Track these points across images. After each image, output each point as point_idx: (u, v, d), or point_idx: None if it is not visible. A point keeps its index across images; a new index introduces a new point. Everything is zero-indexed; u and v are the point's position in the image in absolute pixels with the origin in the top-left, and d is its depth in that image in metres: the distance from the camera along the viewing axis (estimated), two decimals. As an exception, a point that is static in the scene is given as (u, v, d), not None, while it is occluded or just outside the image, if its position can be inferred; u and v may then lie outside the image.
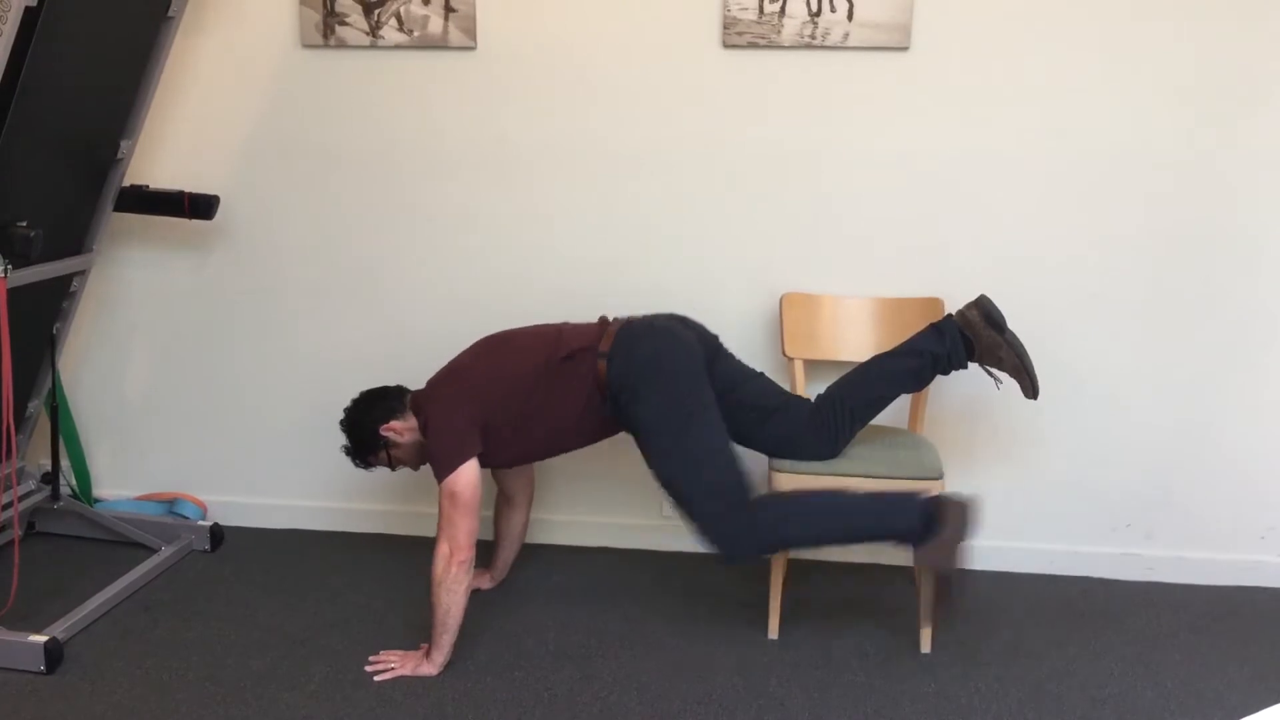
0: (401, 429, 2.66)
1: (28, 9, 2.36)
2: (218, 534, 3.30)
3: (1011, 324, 3.03)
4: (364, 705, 2.46)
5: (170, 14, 2.88)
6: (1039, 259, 3.01)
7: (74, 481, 3.43)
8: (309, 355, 3.34)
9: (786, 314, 3.02)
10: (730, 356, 2.73)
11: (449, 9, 3.04)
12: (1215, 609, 2.97)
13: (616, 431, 2.65)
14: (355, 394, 3.28)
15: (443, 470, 2.50)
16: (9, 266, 2.60)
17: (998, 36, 2.90)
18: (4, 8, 2.30)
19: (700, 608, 2.93)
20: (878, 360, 2.71)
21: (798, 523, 2.50)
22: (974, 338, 2.60)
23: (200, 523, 3.30)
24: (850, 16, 2.90)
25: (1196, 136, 2.90)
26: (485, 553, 3.05)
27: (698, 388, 2.53)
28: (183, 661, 2.64)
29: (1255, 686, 2.59)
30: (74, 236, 3.01)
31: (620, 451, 3.20)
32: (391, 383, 3.16)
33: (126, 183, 3.10)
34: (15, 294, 2.71)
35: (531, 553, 3.21)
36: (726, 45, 2.98)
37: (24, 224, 2.59)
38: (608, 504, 3.28)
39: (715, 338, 2.73)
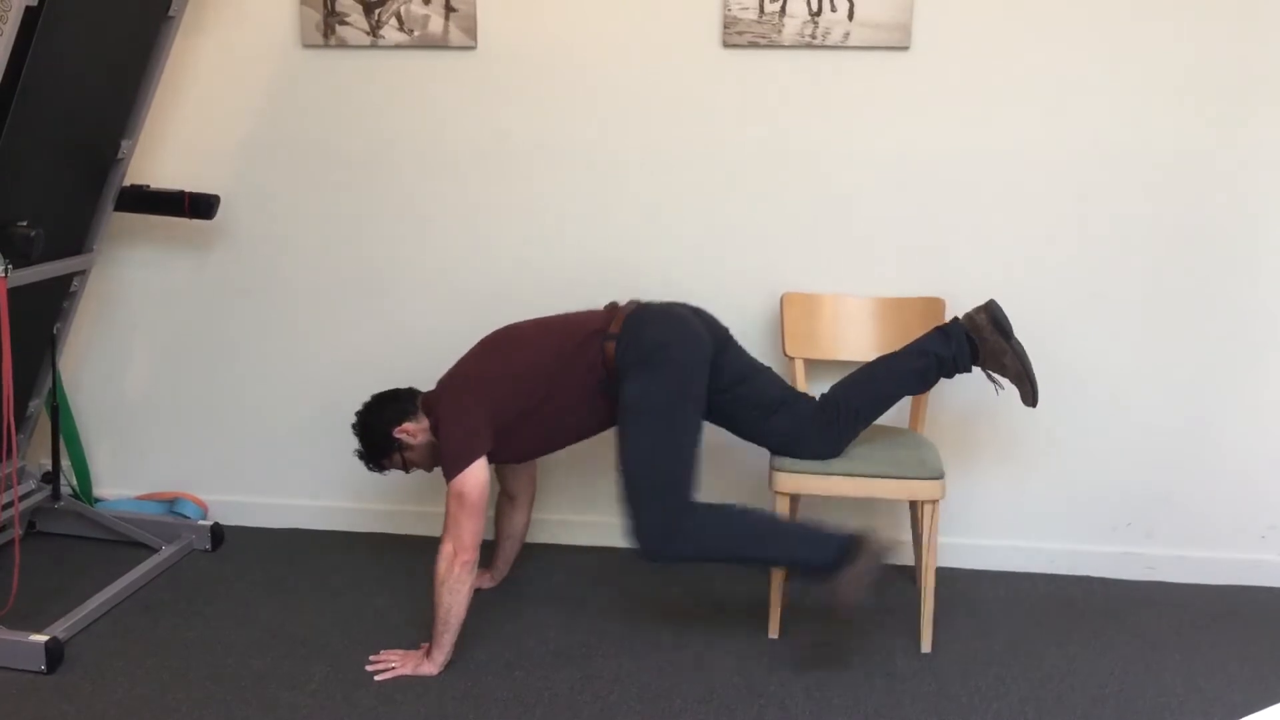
0: (414, 430, 2.66)
1: (28, 9, 2.36)
2: (218, 533, 3.30)
3: (1012, 321, 3.02)
4: (364, 705, 2.46)
5: (171, 13, 2.88)
6: (1039, 258, 3.01)
7: (74, 481, 3.43)
8: (310, 354, 3.34)
9: (787, 313, 3.02)
10: (739, 350, 2.72)
11: (449, 9, 3.04)
12: (1216, 608, 2.97)
13: None
14: (356, 393, 3.30)
15: (451, 470, 2.50)
16: (9, 266, 2.60)
17: (998, 36, 2.90)
18: (4, 7, 2.30)
19: (701, 607, 2.93)
20: (883, 361, 2.71)
21: (720, 538, 2.50)
22: (979, 341, 2.60)
23: (201, 522, 3.30)
24: (851, 16, 2.90)
25: (1197, 136, 2.90)
26: (486, 552, 3.04)
27: (691, 382, 2.53)
28: (183, 661, 2.64)
29: (1256, 685, 2.59)
30: (74, 236, 3.01)
31: (621, 451, 3.19)
32: (391, 381, 3.17)
33: (127, 182, 3.10)
34: (16, 294, 2.71)
35: (532, 552, 3.21)
36: (727, 45, 2.97)
37: (24, 224, 2.59)
38: (608, 504, 3.28)
39: (725, 330, 2.72)
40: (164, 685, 2.53)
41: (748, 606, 2.90)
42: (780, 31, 2.94)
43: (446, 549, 2.51)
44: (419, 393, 2.73)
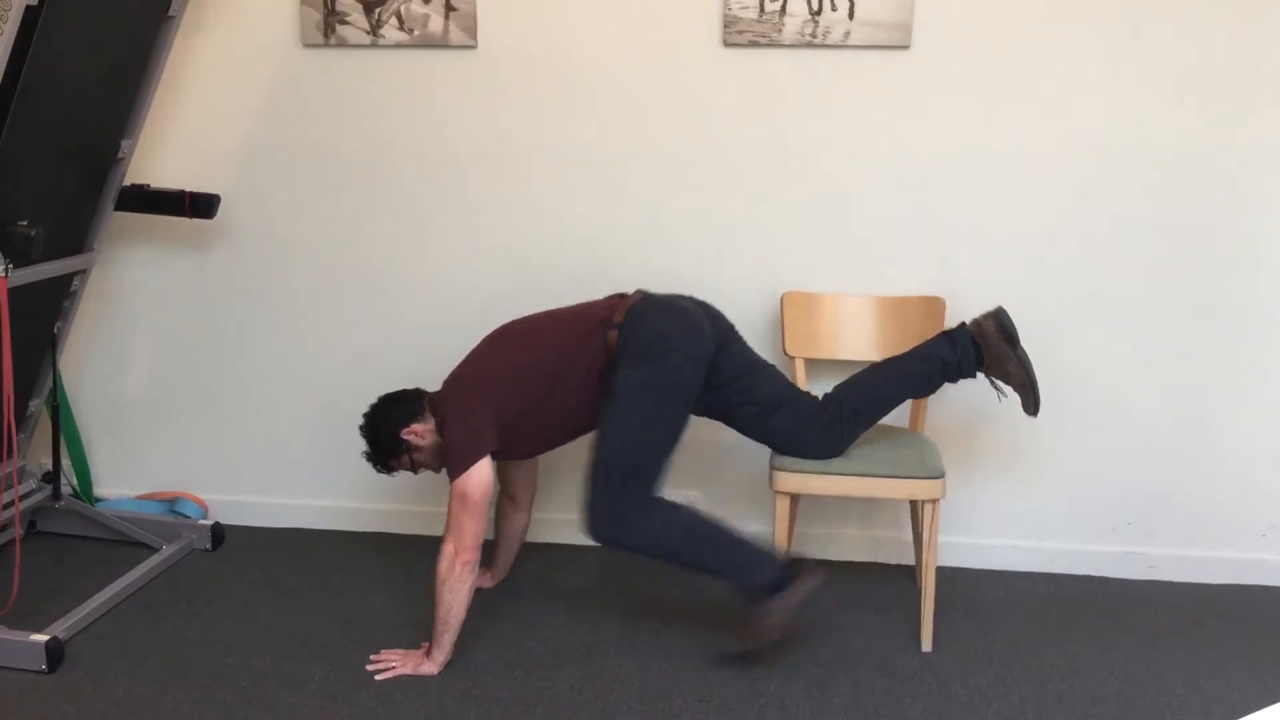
0: (422, 431, 2.65)
1: (28, 8, 2.36)
2: (219, 533, 3.30)
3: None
4: (365, 704, 2.46)
5: (171, 13, 2.88)
6: (1039, 258, 3.01)
7: (75, 480, 3.43)
8: (311, 354, 3.34)
9: (787, 313, 3.02)
10: (742, 346, 2.71)
11: (449, 8, 3.04)
12: (1216, 607, 2.97)
13: None
14: (356, 393, 3.31)
15: (455, 469, 2.50)
16: (10, 266, 2.60)
17: (999, 35, 2.90)
18: (4, 7, 2.30)
19: (701, 607, 2.93)
20: (887, 363, 2.71)
21: (670, 537, 2.52)
22: (985, 348, 2.59)
23: (201, 522, 3.30)
24: (851, 15, 2.90)
25: (1197, 136, 2.90)
26: (486, 552, 3.04)
27: (686, 378, 2.53)
28: (184, 661, 2.64)
29: (1256, 684, 2.59)
30: (75, 236, 3.01)
31: (621, 450, 3.19)
32: (391, 381, 3.18)
33: (127, 182, 3.10)
34: (16, 293, 2.71)
35: (533, 552, 3.21)
36: (727, 44, 2.97)
37: (25, 223, 2.59)
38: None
39: (729, 326, 2.71)
40: (164, 685, 2.54)
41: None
42: (780, 31, 2.94)
43: (448, 549, 2.51)
44: (426, 393, 2.73)
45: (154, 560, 3.10)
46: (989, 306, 3.03)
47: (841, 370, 3.06)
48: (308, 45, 3.13)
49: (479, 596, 2.93)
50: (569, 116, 3.08)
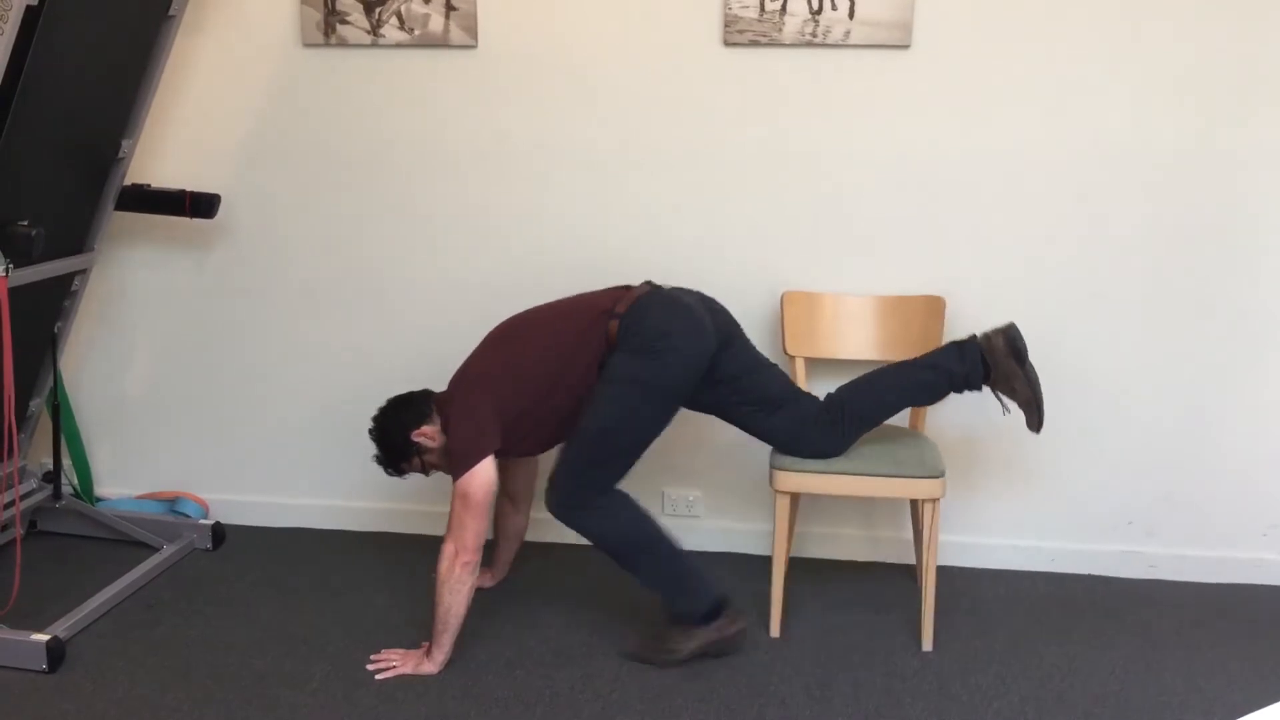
0: (432, 433, 2.64)
1: (28, 8, 2.36)
2: (219, 533, 3.30)
3: (1012, 320, 3.03)
4: (365, 704, 2.46)
5: (171, 13, 2.88)
6: (1040, 257, 3.01)
7: (75, 480, 3.43)
8: (311, 354, 3.34)
9: (787, 312, 3.02)
10: (745, 344, 2.70)
11: (450, 7, 3.04)
12: (1217, 606, 2.97)
13: None
14: (356, 392, 3.31)
15: (459, 469, 2.50)
16: (10, 265, 2.60)
17: (999, 35, 2.90)
18: (4, 7, 2.30)
19: (701, 606, 2.93)
20: (894, 369, 2.70)
21: (622, 534, 2.57)
22: (993, 364, 2.59)
23: (202, 521, 3.30)
24: (851, 14, 2.90)
25: (1197, 136, 2.90)
26: (486, 551, 3.04)
27: (680, 377, 2.53)
28: (184, 660, 2.64)
29: (1257, 684, 2.59)
30: (75, 235, 3.01)
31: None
32: (391, 380, 3.18)
33: (128, 182, 3.10)
34: (17, 293, 2.71)
35: (533, 551, 3.21)
36: (727, 43, 2.97)
37: (25, 223, 2.59)
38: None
39: (733, 324, 2.70)
40: (165, 684, 2.54)
41: (749, 605, 2.89)
42: (781, 30, 2.94)
43: (448, 549, 2.51)
44: (433, 394, 2.72)
45: (154, 560, 3.11)
46: (992, 307, 3.03)
47: (841, 369, 3.06)
48: (308, 45, 3.13)
49: (479, 596, 2.93)
50: (569, 116, 3.08)
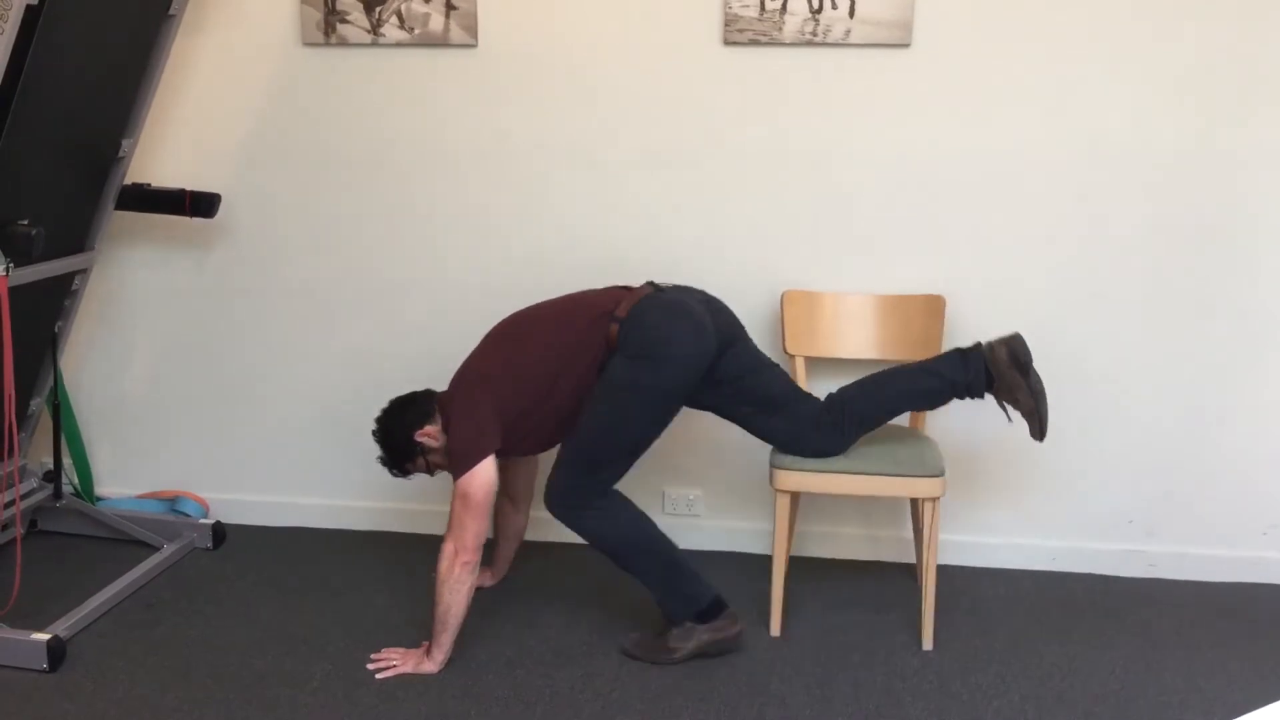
0: (435, 433, 2.64)
1: (29, 8, 2.36)
2: (220, 532, 3.30)
3: (1012, 320, 3.03)
4: (366, 703, 2.46)
5: (171, 12, 2.88)
6: (1040, 257, 3.01)
7: (76, 479, 3.43)
8: (310, 353, 3.34)
9: (787, 311, 3.02)
10: (747, 345, 2.69)
11: (450, 6, 3.04)
12: (1217, 605, 2.97)
13: None
14: (356, 392, 3.31)
15: (459, 468, 2.50)
16: (11, 265, 2.60)
17: (999, 34, 2.90)
18: (4, 6, 2.29)
19: (702, 605, 2.93)
20: (897, 374, 2.69)
21: (618, 535, 2.59)
22: (996, 375, 2.59)
23: (202, 521, 3.30)
24: (852, 13, 2.90)
25: (1197, 136, 2.90)
26: (486, 550, 3.04)
27: (678, 384, 2.52)
28: (185, 659, 2.64)
29: (1257, 683, 2.59)
30: (75, 235, 3.01)
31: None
32: (391, 380, 3.18)
33: (128, 181, 3.10)
34: (17, 292, 2.71)
35: (533, 550, 3.21)
36: (727, 42, 2.97)
37: (25, 222, 2.59)
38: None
39: (735, 324, 2.68)
40: (165, 684, 2.54)
41: (749, 604, 2.90)
42: (781, 29, 2.94)
43: (448, 548, 2.51)
44: (436, 394, 2.71)
45: (155, 559, 3.11)
46: (992, 307, 3.04)
47: (841, 368, 3.06)
48: (308, 44, 3.13)
49: (479, 595, 2.93)
50: (569, 115, 3.08)
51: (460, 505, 2.49)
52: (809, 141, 3.02)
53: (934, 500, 2.66)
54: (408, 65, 3.11)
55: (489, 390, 2.55)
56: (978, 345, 2.63)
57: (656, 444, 2.62)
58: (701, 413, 2.97)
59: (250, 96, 3.19)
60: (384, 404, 2.73)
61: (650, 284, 2.65)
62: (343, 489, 3.42)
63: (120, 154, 3.00)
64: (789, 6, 2.92)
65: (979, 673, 2.61)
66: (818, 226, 3.06)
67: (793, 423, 2.66)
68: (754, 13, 2.93)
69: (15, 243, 2.57)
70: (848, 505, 3.22)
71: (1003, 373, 2.58)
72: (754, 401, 2.66)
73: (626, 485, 2.61)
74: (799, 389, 2.73)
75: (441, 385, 2.74)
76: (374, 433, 2.71)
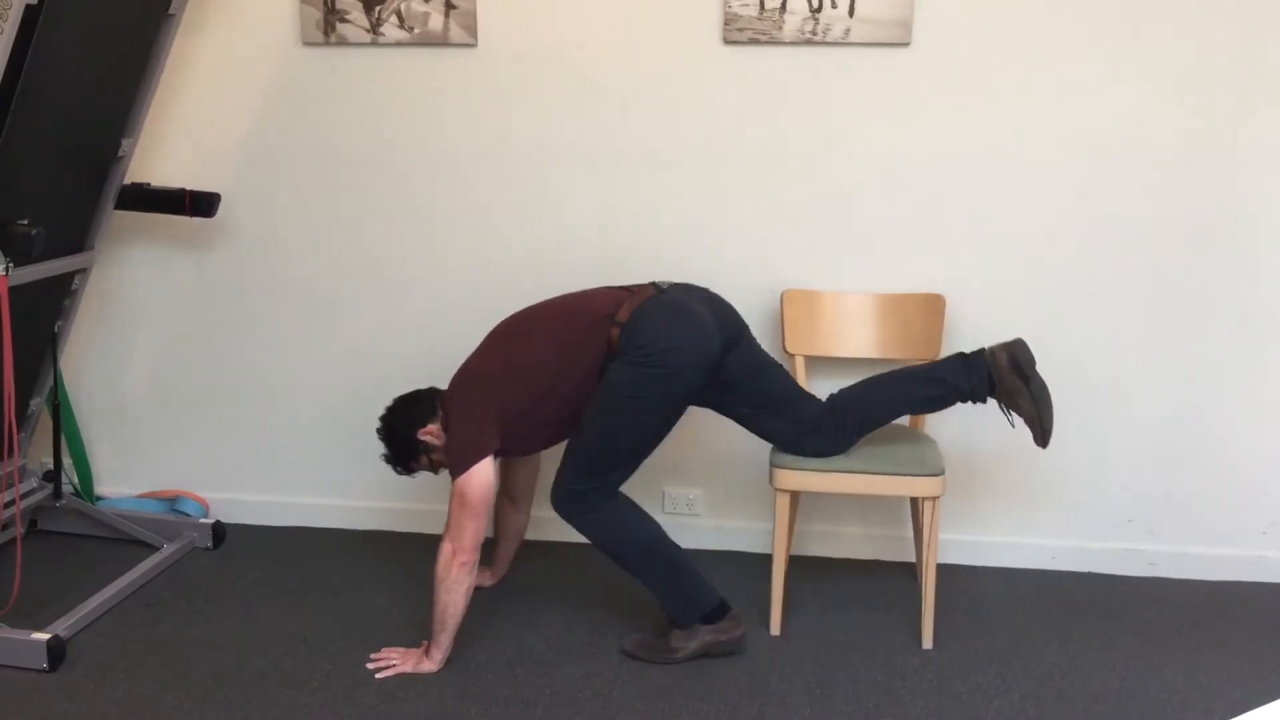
0: (438, 432, 2.64)
1: (28, 7, 2.35)
2: (220, 531, 3.30)
3: (1012, 320, 3.03)
4: (366, 703, 2.46)
5: (171, 11, 2.88)
6: (1040, 256, 3.01)
7: (76, 479, 3.43)
8: (310, 353, 3.34)
9: (787, 310, 3.02)
10: (751, 345, 2.68)
11: (449, 6, 3.04)
12: (1217, 604, 2.97)
13: None
14: (356, 392, 3.31)
15: (457, 469, 2.49)
16: (10, 264, 2.60)
17: (999, 33, 2.90)
18: (4, 6, 2.29)
19: (702, 604, 2.93)
20: (898, 379, 2.69)
21: (622, 537, 2.59)
22: (997, 379, 2.59)
23: (202, 520, 3.30)
24: (851, 12, 2.90)
25: (1197, 136, 2.90)
26: (486, 550, 3.04)
27: (675, 393, 2.51)
28: (185, 659, 2.64)
29: (1257, 682, 2.59)
30: (75, 235, 3.01)
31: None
32: (392, 380, 3.18)
33: (128, 181, 3.10)
34: (17, 292, 2.71)
35: (534, 550, 3.21)
36: (727, 41, 2.97)
37: (25, 222, 2.59)
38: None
39: (740, 325, 2.67)
40: (165, 684, 2.54)
41: (749, 604, 2.90)
42: (781, 28, 2.94)
43: (446, 548, 2.51)
44: (440, 392, 2.71)
45: (155, 559, 3.11)
46: (992, 306, 3.04)
47: (841, 367, 3.07)
48: (307, 44, 3.13)
49: (479, 594, 2.93)
50: (569, 115, 3.08)
51: (458, 505, 2.49)
52: (809, 140, 3.02)
53: (934, 499, 2.66)
54: (407, 65, 3.11)
55: (489, 390, 2.55)
56: (980, 351, 2.63)
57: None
58: (701, 413, 2.98)
59: (250, 96, 3.19)
60: (385, 403, 2.74)
61: (653, 284, 2.64)
62: (343, 489, 3.42)
63: (120, 153, 3.00)
64: (788, 5, 2.92)
65: (979, 672, 2.61)
66: (817, 225, 3.06)
67: (794, 424, 2.66)
68: (753, 12, 2.93)
69: (15, 242, 2.57)
70: (848, 504, 3.22)
71: (1004, 378, 2.58)
72: (756, 402, 2.66)
73: (627, 485, 2.61)
74: (801, 390, 2.73)
75: (441, 385, 2.74)
76: (378, 430, 2.71)
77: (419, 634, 2.74)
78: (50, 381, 3.18)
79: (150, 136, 3.22)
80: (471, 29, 3.05)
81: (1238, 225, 2.94)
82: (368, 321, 3.29)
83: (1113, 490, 3.13)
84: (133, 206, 3.11)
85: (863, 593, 3.02)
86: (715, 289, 3.07)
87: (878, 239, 3.05)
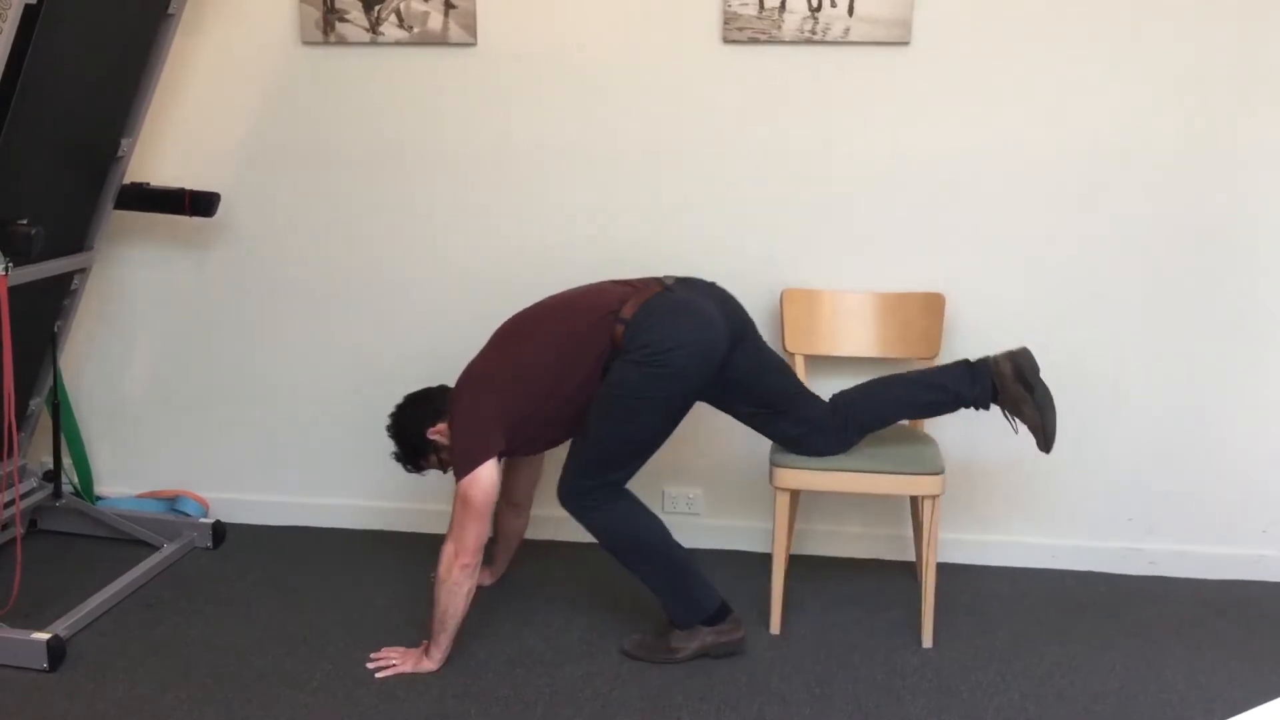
0: (446, 431, 2.62)
1: (27, 7, 2.35)
2: (220, 531, 3.30)
3: (1012, 319, 3.03)
4: (366, 702, 2.46)
5: (170, 11, 2.88)
6: (1040, 256, 3.01)
7: (76, 479, 3.43)
8: (309, 352, 3.34)
9: (787, 309, 3.02)
10: (756, 344, 2.66)
11: (449, 5, 3.03)
12: (1217, 603, 2.97)
13: None
14: (355, 391, 3.32)
15: (460, 471, 2.49)
16: (10, 264, 2.60)
17: (998, 32, 2.90)
18: (4, 6, 2.29)
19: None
20: (901, 383, 2.69)
21: (625, 533, 2.58)
22: (1000, 388, 2.59)
23: (202, 520, 3.30)
24: (851, 11, 2.90)
25: (1197, 136, 2.90)
26: (485, 549, 3.04)
27: (679, 393, 2.50)
28: (185, 659, 2.64)
29: (1257, 680, 2.60)
30: (75, 234, 3.01)
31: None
32: (392, 379, 3.18)
33: (127, 180, 3.10)
34: (16, 292, 2.71)
35: (534, 549, 3.21)
36: (727, 40, 2.97)
37: (25, 222, 2.58)
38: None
39: (746, 322, 2.66)
40: (165, 683, 2.54)
41: (749, 603, 2.90)
42: (780, 27, 2.94)
43: (448, 549, 2.50)
44: (450, 390, 2.68)
45: (155, 559, 3.11)
46: (992, 306, 3.04)
47: (841, 366, 3.07)
48: (307, 43, 3.12)
49: (479, 593, 2.92)
50: (569, 114, 3.08)
51: (461, 508, 2.49)
52: (808, 139, 3.01)
53: (934, 498, 2.66)
54: (407, 64, 3.10)
55: (492, 392, 2.54)
56: (985, 359, 2.63)
57: (656, 443, 2.62)
58: (701, 413, 2.97)
59: (249, 95, 3.19)
60: (385, 403, 2.74)
61: (658, 280, 2.62)
62: (343, 488, 3.42)
63: (119, 153, 2.99)
64: (788, 4, 2.91)
65: (979, 671, 2.62)
66: (817, 224, 3.06)
67: (797, 424, 2.66)
68: (753, 11, 2.93)
69: (15, 242, 2.57)
70: (848, 503, 3.22)
71: (1008, 387, 2.58)
72: (760, 401, 2.66)
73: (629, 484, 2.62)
74: (805, 389, 2.72)
75: (442, 384, 2.74)
76: (388, 428, 2.71)
77: (419, 634, 2.74)
78: (50, 381, 3.18)
79: (150, 136, 3.22)
80: (471, 28, 3.05)
81: (1238, 225, 2.94)
82: (368, 321, 3.29)
83: (1112, 489, 3.13)
84: (132, 206, 3.11)
85: (863, 592, 3.02)
86: (715, 288, 3.08)
87: (878, 238, 3.05)
